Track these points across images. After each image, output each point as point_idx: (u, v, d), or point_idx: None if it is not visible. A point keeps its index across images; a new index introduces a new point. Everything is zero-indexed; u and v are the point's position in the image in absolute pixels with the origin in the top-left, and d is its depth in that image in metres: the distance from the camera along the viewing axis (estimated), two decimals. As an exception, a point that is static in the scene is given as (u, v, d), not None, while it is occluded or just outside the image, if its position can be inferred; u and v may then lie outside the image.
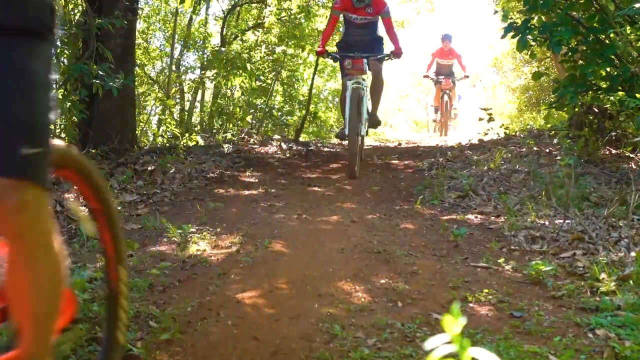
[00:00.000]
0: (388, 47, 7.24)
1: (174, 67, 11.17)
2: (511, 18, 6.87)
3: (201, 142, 9.47)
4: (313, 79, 10.96)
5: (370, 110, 7.02)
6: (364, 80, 6.51)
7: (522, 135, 8.30)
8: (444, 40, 12.84)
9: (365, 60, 6.43)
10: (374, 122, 7.04)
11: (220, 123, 10.73)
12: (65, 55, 7.19)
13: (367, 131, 7.03)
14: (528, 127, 11.11)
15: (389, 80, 21.86)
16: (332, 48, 8.50)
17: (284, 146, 8.93)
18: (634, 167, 5.78)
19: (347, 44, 6.89)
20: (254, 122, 10.87)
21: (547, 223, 4.43)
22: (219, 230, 4.45)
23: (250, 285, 3.25)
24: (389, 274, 3.45)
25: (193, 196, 5.77)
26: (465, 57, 13.04)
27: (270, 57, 11.11)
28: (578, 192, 4.98)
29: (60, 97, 6.46)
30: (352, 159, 6.31)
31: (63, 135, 6.91)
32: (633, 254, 3.55)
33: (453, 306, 0.96)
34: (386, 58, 6.67)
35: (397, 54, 6.63)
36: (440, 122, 13.30)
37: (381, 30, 6.96)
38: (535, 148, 7.02)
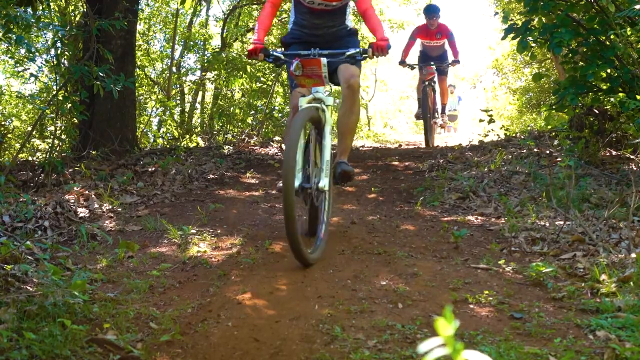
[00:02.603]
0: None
1: (174, 69, 11.18)
2: (511, 19, 6.87)
3: (201, 143, 9.48)
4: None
5: (337, 153, 4.29)
6: (327, 96, 3.95)
7: (522, 137, 8.29)
8: (429, 15, 9.06)
9: (324, 62, 3.78)
10: (342, 175, 4.10)
11: (220, 124, 10.74)
12: (65, 57, 7.20)
13: (329, 184, 3.83)
14: (528, 128, 11.12)
15: (389, 81, 21.50)
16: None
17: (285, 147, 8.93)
18: (634, 168, 5.78)
19: (298, 40, 4.27)
20: (254, 123, 10.87)
21: (547, 224, 4.43)
22: (219, 231, 4.45)
23: (250, 287, 3.26)
24: (389, 276, 3.45)
25: (193, 197, 5.77)
26: (458, 38, 9.65)
27: (271, 59, 11.11)
28: (578, 193, 4.98)
29: (60, 98, 6.47)
30: (291, 236, 3.34)
31: (64, 136, 6.92)
32: (633, 255, 3.55)
33: (446, 309, 0.96)
34: (364, 55, 3.90)
35: (380, 48, 3.86)
36: (426, 125, 9.47)
37: (358, 21, 4.62)
38: (535, 149, 7.02)
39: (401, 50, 9.39)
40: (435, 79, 9.59)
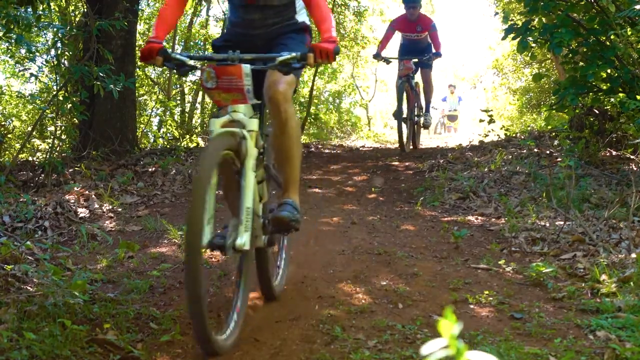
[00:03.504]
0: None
1: (174, 69, 11.16)
2: (512, 20, 6.87)
3: (202, 143, 9.48)
4: (314, 80, 10.97)
5: (275, 189, 3.29)
6: (252, 117, 2.86)
7: (522, 137, 8.29)
8: (408, 5, 8.12)
9: (246, 70, 2.72)
10: (275, 223, 2.98)
11: (220, 124, 10.73)
12: (65, 57, 7.20)
13: (269, 240, 3.02)
14: (528, 128, 11.11)
15: (389, 81, 21.37)
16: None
17: (285, 148, 8.91)
18: (635, 168, 5.78)
19: (230, 42, 3.14)
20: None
21: (547, 224, 4.43)
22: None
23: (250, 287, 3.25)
24: (389, 276, 3.45)
25: (193, 198, 5.76)
26: (442, 32, 8.33)
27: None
28: (578, 193, 4.98)
29: (60, 98, 6.47)
30: (195, 316, 2.40)
31: (64, 136, 6.92)
32: (634, 255, 3.55)
33: (447, 310, 0.96)
34: (302, 62, 2.79)
35: (324, 52, 2.80)
36: (399, 125, 8.37)
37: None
38: (535, 149, 7.02)
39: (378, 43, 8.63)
40: (418, 74, 8.50)
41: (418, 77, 8.62)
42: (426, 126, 8.92)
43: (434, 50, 8.24)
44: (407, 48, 8.42)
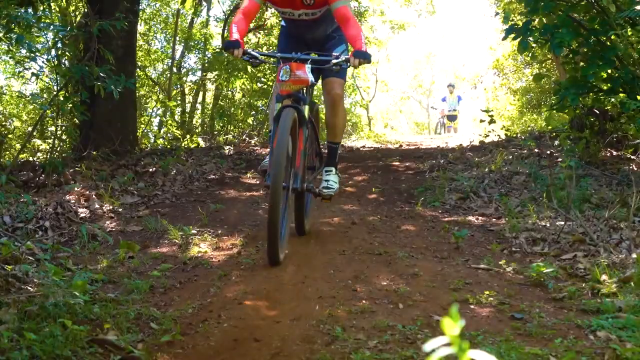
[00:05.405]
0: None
1: (175, 69, 11.18)
2: (512, 20, 6.87)
3: (202, 143, 9.48)
4: (314, 80, 10.95)
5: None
6: None
7: (523, 137, 8.29)
8: None
9: None
10: None
11: (221, 125, 10.75)
12: (66, 57, 7.20)
13: None
14: (529, 129, 11.11)
15: (389, 81, 21.39)
16: None
17: (285, 148, 8.93)
18: (635, 168, 5.78)
19: None
20: (255, 123, 10.87)
21: (548, 225, 4.43)
22: (220, 232, 4.45)
23: (251, 287, 3.25)
24: (390, 276, 3.45)
25: (194, 198, 5.77)
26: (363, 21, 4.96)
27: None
28: (579, 193, 4.98)
29: (61, 98, 6.47)
30: None
31: (64, 137, 6.92)
32: (634, 255, 3.55)
33: (452, 308, 0.96)
34: None
35: None
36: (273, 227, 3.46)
37: None
38: (536, 150, 7.02)
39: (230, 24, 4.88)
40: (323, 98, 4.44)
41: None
42: (326, 197, 4.37)
43: (343, 47, 4.27)
44: (293, 37, 4.36)
